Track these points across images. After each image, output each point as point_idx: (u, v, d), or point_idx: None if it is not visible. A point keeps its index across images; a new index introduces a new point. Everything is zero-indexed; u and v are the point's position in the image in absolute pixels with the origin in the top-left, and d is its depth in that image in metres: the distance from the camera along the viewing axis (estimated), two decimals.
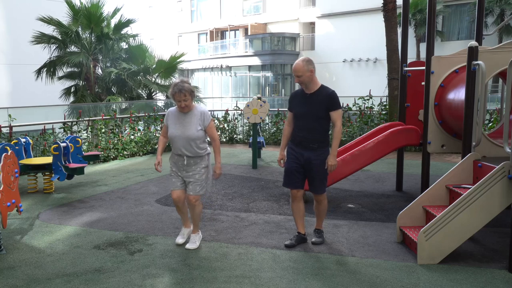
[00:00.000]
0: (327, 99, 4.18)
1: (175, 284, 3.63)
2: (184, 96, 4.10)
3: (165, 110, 14.70)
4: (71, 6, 15.90)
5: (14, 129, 8.64)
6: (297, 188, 4.38)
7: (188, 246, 4.38)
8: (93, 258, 4.17)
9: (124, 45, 17.19)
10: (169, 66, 16.90)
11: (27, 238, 4.74)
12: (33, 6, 23.04)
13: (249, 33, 32.71)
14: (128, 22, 16.93)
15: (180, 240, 4.51)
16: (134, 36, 17.29)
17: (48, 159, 6.77)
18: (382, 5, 10.16)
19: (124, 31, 17.11)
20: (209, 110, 13.04)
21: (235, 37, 35.54)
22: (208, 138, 4.39)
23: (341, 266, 3.98)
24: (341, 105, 4.29)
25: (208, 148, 4.39)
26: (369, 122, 10.76)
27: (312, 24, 30.93)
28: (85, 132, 10.01)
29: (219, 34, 36.85)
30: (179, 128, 4.19)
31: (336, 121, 4.20)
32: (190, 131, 4.16)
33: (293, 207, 4.50)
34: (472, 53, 4.57)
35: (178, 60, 17.10)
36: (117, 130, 10.11)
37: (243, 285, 3.61)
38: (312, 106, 4.22)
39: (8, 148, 6.21)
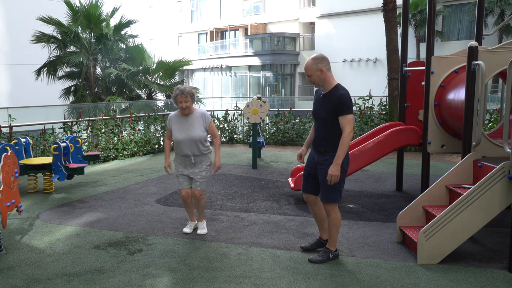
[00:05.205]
0: (335, 101, 3.82)
1: (175, 284, 3.64)
2: (186, 97, 4.47)
3: (165, 110, 14.72)
4: (70, 6, 15.90)
5: (14, 129, 8.64)
6: (307, 192, 4.18)
7: (199, 231, 4.82)
8: (93, 258, 4.17)
9: (123, 46, 17.20)
10: (170, 67, 16.91)
11: (27, 238, 4.74)
12: (33, 6, 23.06)
13: (249, 33, 32.71)
14: (128, 23, 16.94)
15: (187, 230, 4.86)
16: (133, 37, 17.29)
17: (48, 159, 6.77)
18: (382, 5, 10.16)
19: (123, 31, 17.11)
20: (209, 110, 13.22)
21: (235, 37, 35.55)
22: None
23: (341, 266, 3.98)
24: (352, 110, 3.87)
25: (210, 147, 4.73)
26: (369, 122, 10.76)
27: (312, 24, 30.94)
28: (85, 132, 10.02)
29: (219, 34, 36.86)
30: (184, 131, 4.54)
31: (344, 127, 3.79)
32: (195, 133, 4.52)
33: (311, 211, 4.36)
34: (472, 53, 4.57)
35: (182, 65, 17.17)
36: (117, 130, 10.11)
37: (243, 285, 3.61)
38: (322, 107, 3.94)
39: (8, 148, 6.22)
